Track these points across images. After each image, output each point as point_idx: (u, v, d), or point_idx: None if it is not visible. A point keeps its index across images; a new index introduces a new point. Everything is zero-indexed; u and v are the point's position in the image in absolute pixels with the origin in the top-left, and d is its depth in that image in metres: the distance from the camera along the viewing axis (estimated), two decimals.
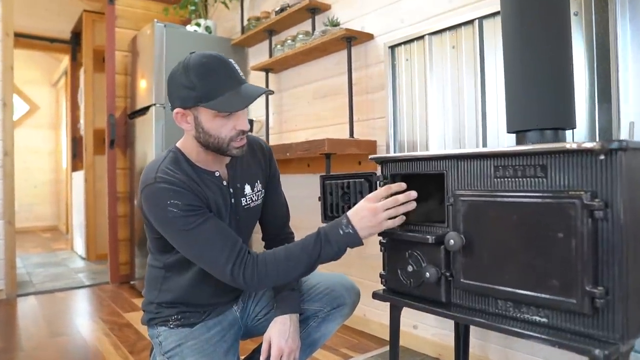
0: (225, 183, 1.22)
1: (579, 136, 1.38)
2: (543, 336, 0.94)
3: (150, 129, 2.97)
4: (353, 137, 2.24)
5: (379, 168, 1.34)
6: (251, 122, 2.92)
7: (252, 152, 1.32)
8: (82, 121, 4.67)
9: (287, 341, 1.18)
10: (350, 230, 1.08)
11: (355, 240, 1.09)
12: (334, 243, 1.08)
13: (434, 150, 1.82)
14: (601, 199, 0.88)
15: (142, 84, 3.13)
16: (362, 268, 2.26)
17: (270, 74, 2.88)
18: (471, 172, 1.11)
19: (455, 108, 1.76)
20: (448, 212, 1.14)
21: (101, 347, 2.18)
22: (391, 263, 1.27)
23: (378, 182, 1.27)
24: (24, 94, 6.97)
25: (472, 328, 1.54)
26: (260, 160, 1.34)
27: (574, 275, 0.90)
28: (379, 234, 1.21)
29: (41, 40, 5.55)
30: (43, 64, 6.84)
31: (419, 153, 1.24)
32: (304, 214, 2.40)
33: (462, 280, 1.09)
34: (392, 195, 1.13)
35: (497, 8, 1.47)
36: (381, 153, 2.16)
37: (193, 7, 3.36)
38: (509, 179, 1.04)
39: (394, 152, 2.00)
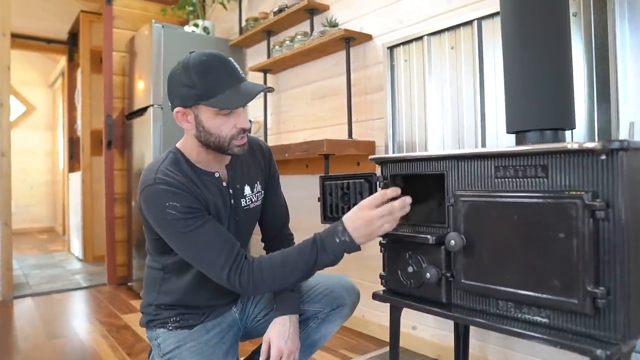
0: (225, 184, 1.22)
1: (578, 136, 1.39)
2: (544, 337, 0.94)
3: (147, 130, 2.96)
4: (352, 137, 2.24)
5: (378, 168, 1.34)
6: (249, 122, 2.91)
7: (252, 152, 1.32)
8: (79, 122, 4.66)
9: (287, 342, 1.18)
10: (347, 239, 1.06)
11: (352, 247, 1.07)
12: (330, 251, 1.07)
13: (433, 150, 1.82)
14: (602, 199, 0.88)
15: (140, 85, 3.12)
16: (361, 269, 2.26)
17: (268, 75, 2.87)
18: (472, 172, 1.11)
19: (454, 109, 1.76)
20: (448, 213, 1.14)
21: (99, 349, 2.17)
22: (391, 264, 1.27)
23: (378, 183, 1.27)
24: (21, 95, 6.95)
25: (471, 328, 1.54)
26: (260, 161, 1.33)
27: (575, 276, 0.90)
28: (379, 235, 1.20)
29: (38, 41, 5.52)
30: (40, 65, 6.82)
31: (420, 153, 1.24)
32: (303, 215, 2.39)
33: (462, 280, 1.09)
34: (387, 200, 1.10)
35: (496, 9, 1.47)
36: (380, 154, 2.16)
37: (191, 8, 3.36)
38: (510, 179, 1.04)
39: (393, 152, 2.00)
